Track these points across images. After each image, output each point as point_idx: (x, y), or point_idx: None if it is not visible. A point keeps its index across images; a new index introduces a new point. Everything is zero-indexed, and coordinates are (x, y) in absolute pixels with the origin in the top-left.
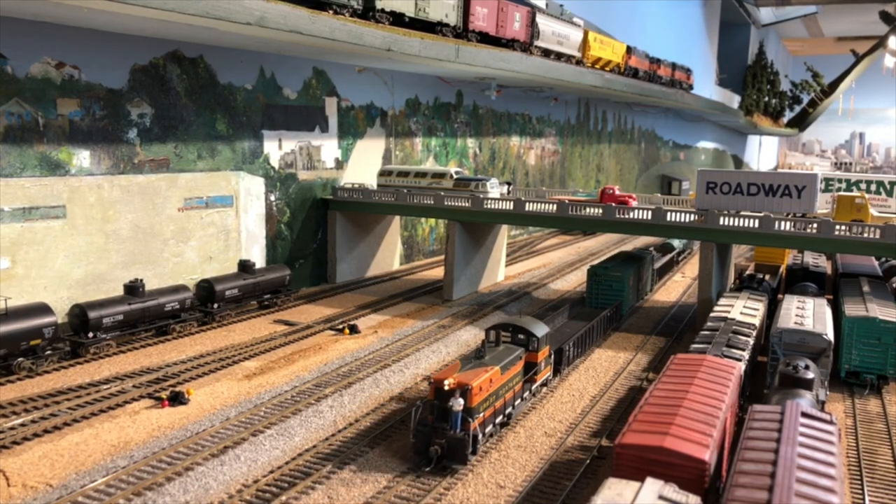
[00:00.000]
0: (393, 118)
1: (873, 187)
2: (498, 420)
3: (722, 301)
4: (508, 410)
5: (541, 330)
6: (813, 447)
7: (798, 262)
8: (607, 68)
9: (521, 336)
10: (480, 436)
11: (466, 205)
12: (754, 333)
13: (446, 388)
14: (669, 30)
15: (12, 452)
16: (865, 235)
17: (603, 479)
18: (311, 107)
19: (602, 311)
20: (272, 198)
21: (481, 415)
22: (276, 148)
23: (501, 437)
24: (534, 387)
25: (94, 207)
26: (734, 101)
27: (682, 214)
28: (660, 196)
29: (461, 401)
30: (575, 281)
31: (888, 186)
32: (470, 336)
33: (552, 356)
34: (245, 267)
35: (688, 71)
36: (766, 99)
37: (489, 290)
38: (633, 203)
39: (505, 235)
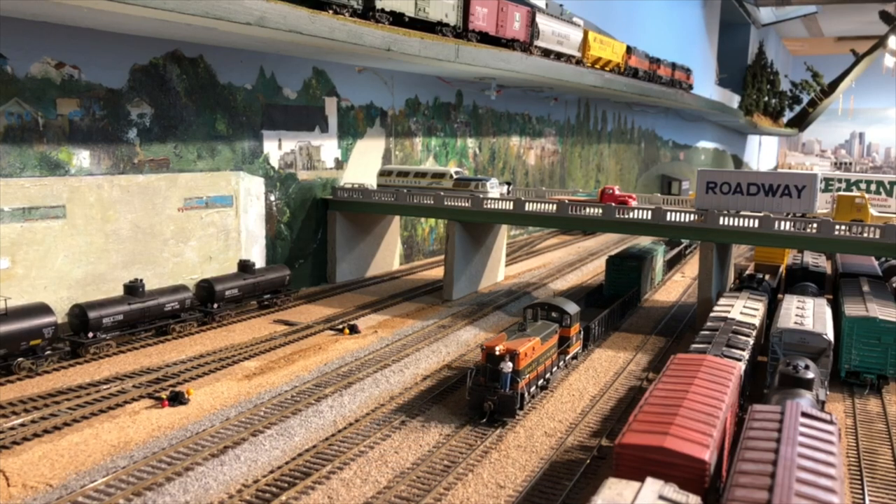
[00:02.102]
0: (393, 118)
1: (873, 187)
2: (539, 383)
3: (722, 301)
4: (547, 376)
5: (572, 308)
6: (813, 447)
7: (798, 262)
8: (607, 68)
9: (554, 314)
10: (526, 394)
11: (466, 205)
12: (754, 333)
13: (497, 353)
14: (669, 30)
15: (12, 452)
16: (865, 235)
17: (603, 479)
18: (311, 107)
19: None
20: (272, 198)
21: (526, 377)
22: (276, 148)
23: (541, 400)
24: (567, 358)
25: (93, 207)
26: (734, 101)
27: (682, 214)
28: (660, 196)
29: (510, 364)
30: (575, 280)
31: (888, 186)
32: (470, 336)
33: (581, 333)
34: (245, 267)
35: (688, 71)
36: (766, 99)
37: (489, 290)
38: (633, 203)
39: (505, 235)
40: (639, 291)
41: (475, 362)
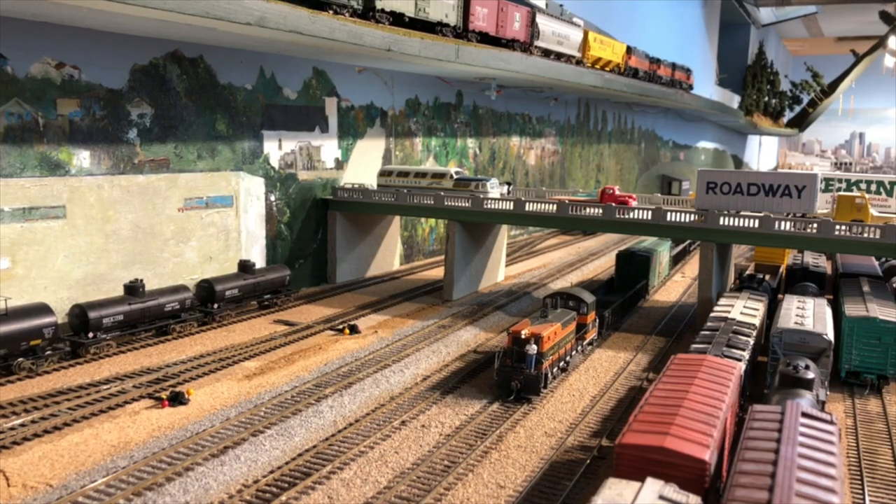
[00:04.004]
0: (393, 118)
1: (873, 187)
2: (560, 365)
3: (722, 301)
4: (567, 359)
5: (589, 297)
6: (813, 447)
7: (798, 262)
8: (607, 68)
9: (572, 302)
10: (549, 374)
11: (466, 205)
12: (754, 333)
13: (523, 336)
14: (669, 30)
15: (12, 452)
16: (865, 235)
17: (603, 479)
18: (311, 107)
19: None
20: (272, 198)
21: (549, 359)
22: (276, 148)
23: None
24: (584, 343)
25: (94, 207)
26: (734, 101)
27: (682, 214)
28: (660, 196)
29: (535, 346)
30: (576, 280)
31: (888, 186)
32: (470, 336)
33: (597, 320)
34: (245, 267)
35: (688, 71)
36: (766, 99)
37: (489, 290)
38: (633, 203)
39: (505, 235)
40: (647, 284)
41: (501, 346)
